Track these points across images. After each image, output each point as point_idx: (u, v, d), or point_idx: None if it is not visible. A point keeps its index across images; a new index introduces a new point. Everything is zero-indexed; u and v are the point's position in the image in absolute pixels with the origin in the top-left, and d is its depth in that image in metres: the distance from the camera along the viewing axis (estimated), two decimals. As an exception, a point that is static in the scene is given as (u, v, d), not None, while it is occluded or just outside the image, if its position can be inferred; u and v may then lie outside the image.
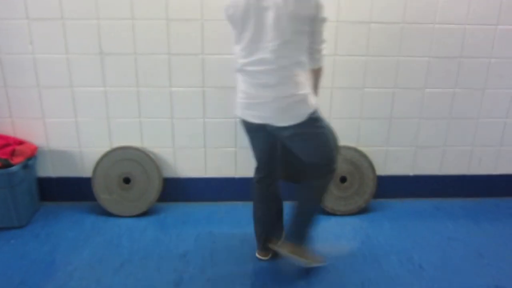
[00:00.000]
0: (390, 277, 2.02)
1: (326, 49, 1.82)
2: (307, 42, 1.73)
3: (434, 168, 2.69)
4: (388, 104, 2.54)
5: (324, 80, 2.08)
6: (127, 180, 2.51)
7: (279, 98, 1.73)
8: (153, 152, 2.55)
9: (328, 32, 1.80)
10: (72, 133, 2.50)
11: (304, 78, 1.75)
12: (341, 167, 2.53)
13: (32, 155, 2.42)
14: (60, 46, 2.33)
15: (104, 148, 2.51)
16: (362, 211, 2.57)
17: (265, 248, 2.12)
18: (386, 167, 2.66)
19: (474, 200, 2.73)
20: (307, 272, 2.03)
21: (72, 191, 2.61)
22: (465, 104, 2.56)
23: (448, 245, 2.27)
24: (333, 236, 2.25)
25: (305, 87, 1.76)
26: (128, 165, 2.50)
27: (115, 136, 2.51)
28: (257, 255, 2.15)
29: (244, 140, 2.52)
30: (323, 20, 1.72)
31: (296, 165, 1.99)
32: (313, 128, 1.81)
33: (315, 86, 1.89)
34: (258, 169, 2.05)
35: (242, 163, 2.60)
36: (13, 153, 2.33)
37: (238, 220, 2.48)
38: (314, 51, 1.77)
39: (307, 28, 1.69)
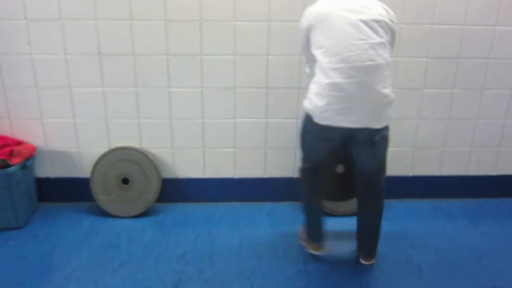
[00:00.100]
0: (389, 278, 2.02)
1: None
2: None
3: (433, 169, 2.69)
4: (387, 104, 2.53)
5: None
6: (125, 181, 2.51)
7: (379, 99, 1.77)
8: (152, 153, 2.54)
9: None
10: (71, 134, 2.49)
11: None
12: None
13: (30, 156, 2.42)
14: (58, 47, 2.32)
15: (103, 148, 2.50)
16: (361, 211, 2.58)
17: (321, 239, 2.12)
18: (385, 167, 2.66)
19: (473, 200, 2.73)
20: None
21: (70, 192, 2.61)
22: (464, 105, 2.56)
23: (447, 245, 2.27)
24: (331, 237, 2.24)
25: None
26: (127, 165, 2.50)
27: (114, 137, 2.50)
28: (312, 251, 2.12)
29: (244, 140, 2.54)
30: None
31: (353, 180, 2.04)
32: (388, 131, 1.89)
33: None
34: (308, 161, 2.01)
35: (241, 164, 2.60)
36: (11, 154, 2.33)
37: (237, 220, 2.48)
38: None
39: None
